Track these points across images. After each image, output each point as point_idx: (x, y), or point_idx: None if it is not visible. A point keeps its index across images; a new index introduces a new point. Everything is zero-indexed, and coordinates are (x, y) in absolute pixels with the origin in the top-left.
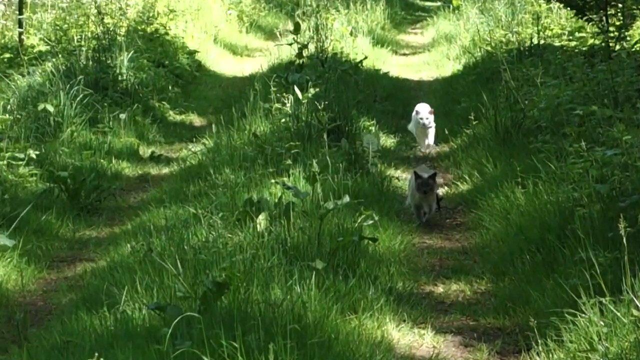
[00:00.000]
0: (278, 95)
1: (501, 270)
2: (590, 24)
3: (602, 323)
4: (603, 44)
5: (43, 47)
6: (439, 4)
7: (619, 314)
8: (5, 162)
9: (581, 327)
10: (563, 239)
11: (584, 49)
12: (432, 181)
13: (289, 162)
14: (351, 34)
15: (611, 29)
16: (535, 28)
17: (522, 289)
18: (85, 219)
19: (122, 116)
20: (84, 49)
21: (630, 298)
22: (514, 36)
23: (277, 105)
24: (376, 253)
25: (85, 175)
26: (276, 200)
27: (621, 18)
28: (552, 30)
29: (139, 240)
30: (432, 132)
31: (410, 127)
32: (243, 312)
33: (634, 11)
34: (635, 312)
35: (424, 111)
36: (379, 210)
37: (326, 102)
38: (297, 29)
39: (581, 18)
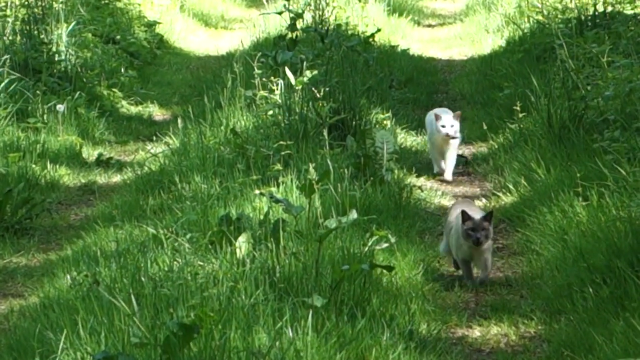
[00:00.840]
0: (264, 79)
1: (556, 307)
2: None
3: None
4: None
5: None
6: None
7: None
8: None
9: None
10: (637, 266)
11: None
12: (489, 224)
13: (279, 167)
14: None
15: None
16: None
17: (583, 333)
18: (12, 242)
19: (60, 108)
20: (9, 20)
21: None
22: (573, 1)
23: (263, 93)
24: (392, 286)
25: (12, 185)
26: (261, 217)
27: None
28: None
29: (82, 270)
30: (455, 148)
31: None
32: None
33: None
34: None
35: (447, 117)
36: (397, 229)
37: (327, 89)
38: None
39: None
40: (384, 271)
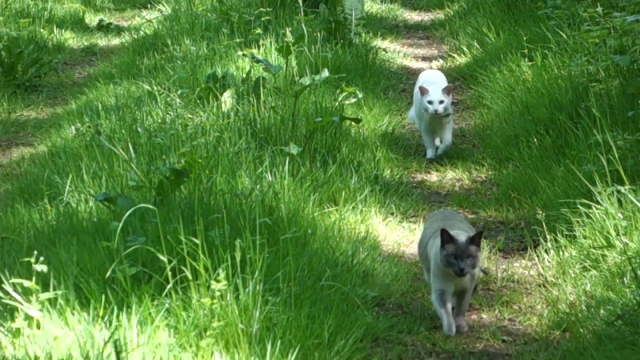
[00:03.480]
0: None
1: (504, 155)
2: None
3: (620, 215)
4: None
5: None
6: None
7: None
8: None
9: (596, 220)
10: (576, 119)
11: None
12: (477, 249)
13: (259, 31)
14: None
15: None
16: None
17: (528, 177)
18: (23, 98)
19: None
20: None
21: None
22: None
23: None
24: (360, 136)
25: (23, 47)
26: (244, 75)
27: None
28: None
29: (85, 122)
30: (449, 125)
31: (411, 114)
32: (205, 203)
33: None
34: None
35: (435, 90)
36: (363, 86)
37: None
38: None
39: None
40: (353, 123)
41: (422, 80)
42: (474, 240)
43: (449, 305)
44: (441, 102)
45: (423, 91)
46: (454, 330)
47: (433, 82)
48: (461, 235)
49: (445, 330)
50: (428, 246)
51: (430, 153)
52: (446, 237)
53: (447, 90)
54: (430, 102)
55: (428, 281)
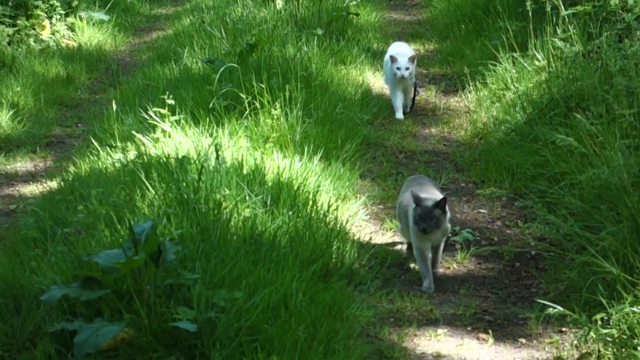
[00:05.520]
0: None
1: (444, 35)
2: None
3: (514, 71)
4: None
5: None
6: None
7: (525, 64)
8: None
9: (499, 73)
10: (487, 13)
11: None
12: (441, 211)
13: None
14: None
15: None
16: None
17: (459, 48)
18: (158, 1)
19: None
20: None
21: (533, 53)
22: None
23: None
24: (358, 24)
25: None
26: None
27: None
28: None
29: (195, 16)
30: (411, 89)
31: (385, 77)
32: (267, 64)
33: None
34: (536, 63)
35: (402, 58)
36: None
37: None
38: None
39: None
40: (354, 16)
41: (392, 50)
42: (439, 205)
43: (429, 262)
44: (407, 68)
45: (393, 59)
46: (433, 287)
47: (401, 53)
48: (428, 200)
49: (425, 288)
50: (408, 212)
51: (399, 115)
52: (416, 202)
53: (411, 59)
54: (398, 69)
55: (402, 235)
